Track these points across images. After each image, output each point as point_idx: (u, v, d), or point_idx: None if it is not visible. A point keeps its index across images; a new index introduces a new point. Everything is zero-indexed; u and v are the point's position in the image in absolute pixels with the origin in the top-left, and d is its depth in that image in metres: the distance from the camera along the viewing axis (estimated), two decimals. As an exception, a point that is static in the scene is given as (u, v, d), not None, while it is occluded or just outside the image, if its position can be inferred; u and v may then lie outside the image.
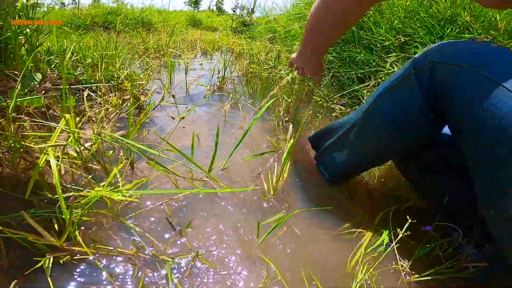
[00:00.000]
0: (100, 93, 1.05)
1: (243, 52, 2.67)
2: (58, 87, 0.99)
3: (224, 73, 1.44)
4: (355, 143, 0.62)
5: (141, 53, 2.10)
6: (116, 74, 1.21)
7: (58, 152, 0.64)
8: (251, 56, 2.30)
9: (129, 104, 1.04)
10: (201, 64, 2.06)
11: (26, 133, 0.71)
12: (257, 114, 0.67)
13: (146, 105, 1.07)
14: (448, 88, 0.42)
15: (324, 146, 0.73)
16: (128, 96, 1.06)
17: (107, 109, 0.98)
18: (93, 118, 0.94)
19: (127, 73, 1.21)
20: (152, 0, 12.33)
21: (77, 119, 0.91)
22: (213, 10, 12.31)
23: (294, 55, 0.90)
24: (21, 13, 1.60)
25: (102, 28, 4.10)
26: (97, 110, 0.98)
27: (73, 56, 1.40)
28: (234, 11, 12.78)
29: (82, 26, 4.05)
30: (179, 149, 0.59)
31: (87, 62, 1.34)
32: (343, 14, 0.58)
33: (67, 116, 0.59)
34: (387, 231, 0.56)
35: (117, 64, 1.42)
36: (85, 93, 0.99)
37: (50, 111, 0.91)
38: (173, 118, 0.96)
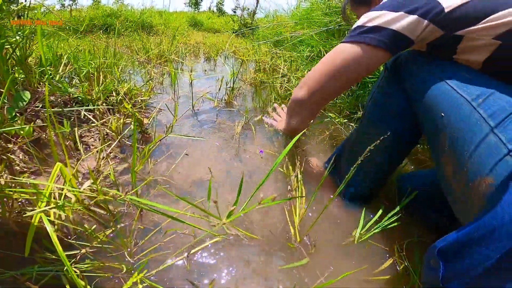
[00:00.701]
0: (98, 112, 0.93)
1: (248, 59, 2.55)
2: (52, 109, 0.86)
3: (233, 86, 1.31)
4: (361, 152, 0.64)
5: (141, 59, 1.97)
6: (116, 88, 1.09)
7: (55, 199, 0.51)
8: (257, 63, 2.17)
9: (131, 126, 0.92)
10: (205, 70, 1.93)
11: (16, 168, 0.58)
12: (276, 161, 0.54)
13: (149, 127, 0.95)
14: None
15: (341, 164, 0.74)
16: (129, 118, 0.93)
17: (106, 133, 0.85)
18: (91, 146, 0.81)
19: (127, 89, 1.08)
20: (152, 1, 12.18)
21: (73, 144, 0.79)
22: (213, 11, 12.18)
23: (270, 120, 1.05)
24: (20, 14, 1.46)
25: (101, 31, 3.98)
26: (96, 135, 0.85)
27: (67, 68, 1.27)
28: (235, 12, 12.65)
29: (80, 30, 3.92)
30: (190, 184, 0.47)
31: (82, 74, 1.21)
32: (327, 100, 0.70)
33: (60, 166, 0.47)
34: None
35: (117, 73, 1.29)
36: (82, 112, 0.86)
37: (44, 135, 0.79)
38: (187, 154, 0.84)
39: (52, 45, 1.49)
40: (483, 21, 0.46)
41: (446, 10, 0.50)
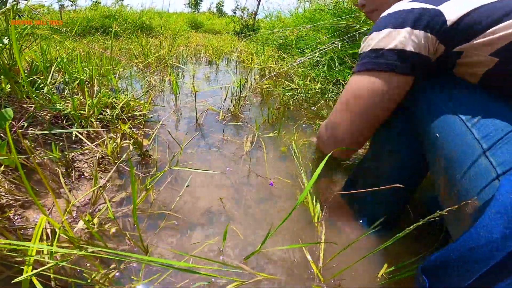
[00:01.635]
0: (91, 131, 0.81)
1: (251, 65, 2.44)
2: (40, 131, 0.75)
3: (240, 96, 1.20)
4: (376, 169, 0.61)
5: (140, 65, 1.86)
6: (112, 102, 0.97)
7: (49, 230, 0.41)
8: (262, 69, 2.06)
9: (129, 147, 0.81)
10: (208, 77, 1.82)
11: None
12: (299, 199, 0.44)
13: (149, 148, 0.83)
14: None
15: (357, 189, 0.66)
16: (126, 140, 0.82)
17: (101, 157, 0.74)
18: (85, 173, 0.70)
19: (124, 102, 0.97)
20: (152, 2, 12.06)
21: (64, 170, 0.68)
22: (213, 12, 12.07)
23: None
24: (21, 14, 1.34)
25: (99, 33, 3.85)
26: (89, 159, 0.74)
27: (59, 75, 1.16)
28: (235, 13, 12.54)
29: (78, 31, 3.80)
30: (199, 215, 0.42)
31: (75, 83, 1.10)
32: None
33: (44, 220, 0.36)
34: None
35: (114, 81, 1.18)
36: (73, 132, 0.75)
37: (31, 158, 0.68)
38: (188, 186, 0.73)
39: (46, 49, 1.37)
40: (481, 35, 0.43)
41: (448, 24, 0.46)
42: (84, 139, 0.75)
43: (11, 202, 0.60)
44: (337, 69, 1.49)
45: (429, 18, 0.46)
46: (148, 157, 0.79)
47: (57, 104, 0.86)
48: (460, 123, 0.41)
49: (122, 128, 0.74)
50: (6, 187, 0.61)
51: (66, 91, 1.12)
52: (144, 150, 0.77)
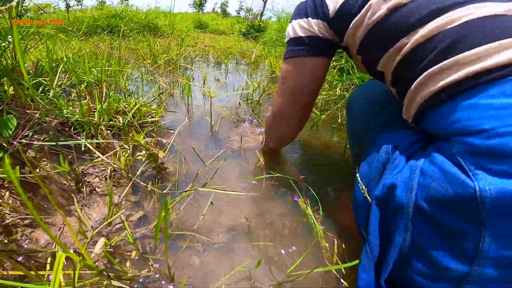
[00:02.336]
0: (101, 140, 0.74)
1: (260, 62, 2.36)
2: (45, 142, 0.67)
3: (260, 101, 1.12)
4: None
5: (149, 67, 1.79)
6: (122, 107, 0.90)
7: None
8: (272, 70, 1.99)
9: (143, 160, 0.73)
10: (218, 79, 1.75)
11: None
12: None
13: (165, 160, 0.76)
14: None
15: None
16: (139, 150, 0.75)
17: (114, 170, 0.67)
18: (97, 189, 0.63)
19: (136, 108, 0.90)
20: (157, 2, 12.02)
21: (74, 185, 0.61)
22: (217, 12, 12.00)
23: (247, 144, 0.95)
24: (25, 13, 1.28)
25: (105, 33, 3.79)
26: (100, 172, 0.67)
27: (65, 77, 1.09)
28: (239, 13, 12.47)
29: (84, 31, 3.73)
30: (223, 233, 0.49)
31: (83, 86, 1.03)
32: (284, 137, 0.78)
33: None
34: None
35: (122, 83, 1.11)
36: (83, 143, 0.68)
37: (35, 177, 0.61)
38: (212, 203, 0.65)
39: (52, 49, 1.31)
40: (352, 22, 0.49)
41: (331, 13, 0.52)
42: (95, 151, 0.68)
43: (18, 221, 0.54)
44: (358, 75, 1.41)
45: (319, 7, 0.53)
46: (164, 170, 0.72)
47: (64, 110, 0.79)
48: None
49: (136, 139, 0.67)
50: (11, 204, 0.54)
51: (73, 94, 1.05)
52: (159, 162, 0.70)
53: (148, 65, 1.76)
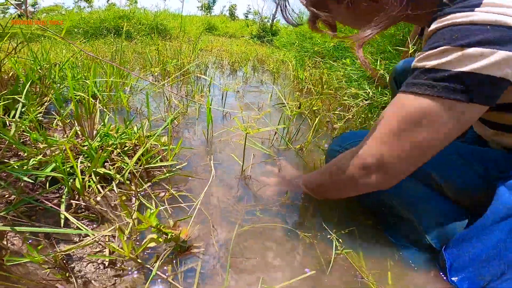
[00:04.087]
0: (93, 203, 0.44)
1: (277, 70, 2.05)
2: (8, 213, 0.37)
3: (289, 136, 0.81)
4: None
5: (156, 73, 1.49)
6: (122, 147, 0.60)
7: None
8: (299, 81, 1.68)
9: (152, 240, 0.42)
10: (238, 91, 1.44)
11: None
12: None
13: (190, 239, 0.45)
14: None
15: None
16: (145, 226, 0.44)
17: (113, 252, 0.37)
18: (93, 282, 0.33)
19: (143, 148, 0.59)
20: (165, 5, 11.82)
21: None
22: (225, 15, 11.77)
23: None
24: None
25: (112, 34, 3.52)
26: (96, 260, 0.37)
27: (46, 100, 0.80)
28: (247, 16, 12.20)
29: (90, 32, 3.47)
30: None
31: (65, 112, 0.74)
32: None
33: None
34: None
35: (125, 104, 0.82)
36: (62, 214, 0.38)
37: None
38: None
39: (38, 53, 1.02)
40: None
41: None
42: (82, 228, 0.38)
43: None
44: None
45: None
46: (188, 250, 0.41)
47: (33, 161, 0.49)
48: None
49: (147, 221, 0.37)
50: None
51: (56, 121, 0.75)
52: (181, 241, 0.40)
53: (156, 73, 1.47)
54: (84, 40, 2.90)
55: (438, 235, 0.46)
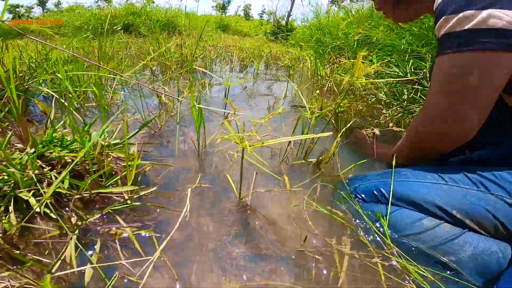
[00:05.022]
0: None
1: (293, 66, 1.81)
2: None
3: (311, 144, 0.58)
4: None
5: (153, 66, 1.30)
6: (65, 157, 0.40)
7: None
8: (319, 78, 1.43)
9: None
10: (245, 87, 1.22)
11: None
12: None
13: None
14: None
15: None
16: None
17: None
18: None
19: (93, 177, 0.39)
20: (180, 4, 11.86)
21: None
22: (240, 15, 11.65)
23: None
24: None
25: (122, 31, 3.41)
26: None
27: None
28: (261, 16, 12.01)
29: (100, 29, 3.37)
30: None
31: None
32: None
33: None
34: None
35: (99, 96, 0.62)
36: None
37: None
38: None
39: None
40: None
41: None
42: None
43: None
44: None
45: None
46: None
47: None
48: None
49: None
50: None
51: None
52: None
53: (153, 67, 1.28)
54: (93, 37, 2.78)
55: (478, 270, 0.40)
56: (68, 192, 0.41)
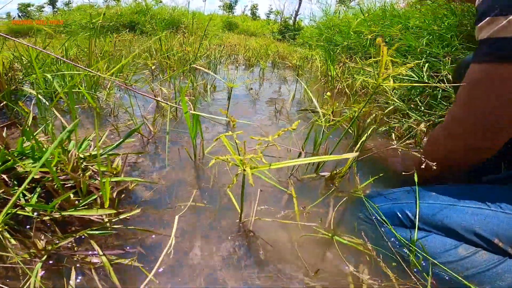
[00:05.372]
0: None
1: (301, 66, 1.73)
2: None
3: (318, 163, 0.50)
4: None
5: (152, 65, 1.23)
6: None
7: None
8: (330, 79, 1.35)
9: None
10: (251, 89, 1.14)
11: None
12: None
13: None
14: None
15: None
16: None
17: None
18: None
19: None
20: (187, 4, 11.87)
21: None
22: (247, 15, 11.60)
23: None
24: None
25: (127, 30, 3.37)
26: None
27: None
28: (268, 16, 11.95)
29: (106, 28, 3.34)
30: None
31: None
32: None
33: None
34: None
35: (89, 99, 0.55)
36: None
37: None
38: None
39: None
40: None
41: None
42: None
43: None
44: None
45: None
46: None
47: None
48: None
49: None
50: None
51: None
52: None
53: (152, 66, 1.21)
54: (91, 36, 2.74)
55: None
56: (32, 215, 0.34)
